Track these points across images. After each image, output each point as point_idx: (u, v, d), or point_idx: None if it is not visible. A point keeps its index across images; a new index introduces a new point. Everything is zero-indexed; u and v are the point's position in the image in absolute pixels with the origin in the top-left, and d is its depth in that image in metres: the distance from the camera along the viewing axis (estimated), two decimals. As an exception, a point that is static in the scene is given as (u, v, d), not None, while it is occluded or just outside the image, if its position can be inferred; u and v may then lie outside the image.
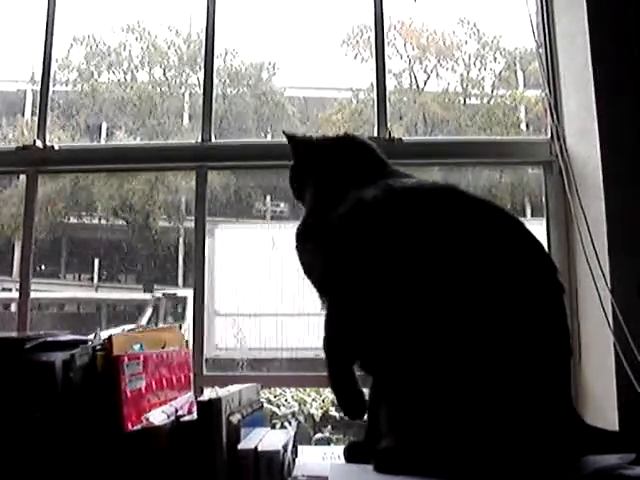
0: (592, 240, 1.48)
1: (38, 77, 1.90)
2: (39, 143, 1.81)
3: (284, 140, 1.37)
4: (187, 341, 1.55)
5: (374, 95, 1.81)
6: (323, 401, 3.41)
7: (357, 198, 1.13)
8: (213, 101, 1.84)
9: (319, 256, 1.16)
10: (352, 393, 1.10)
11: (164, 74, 3.97)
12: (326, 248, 1.14)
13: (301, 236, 1.23)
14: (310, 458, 1.32)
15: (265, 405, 1.51)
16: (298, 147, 1.35)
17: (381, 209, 1.10)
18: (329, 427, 3.31)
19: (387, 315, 1.03)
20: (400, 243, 1.05)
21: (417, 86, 3.69)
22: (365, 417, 1.16)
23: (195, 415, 1.13)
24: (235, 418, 1.14)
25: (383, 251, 1.06)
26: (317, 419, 3.37)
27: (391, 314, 1.03)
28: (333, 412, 3.30)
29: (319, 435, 3.21)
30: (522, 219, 1.09)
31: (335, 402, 1.15)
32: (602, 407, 1.47)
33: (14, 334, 1.56)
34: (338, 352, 1.11)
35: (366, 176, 1.20)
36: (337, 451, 1.31)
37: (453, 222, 1.06)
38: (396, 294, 1.03)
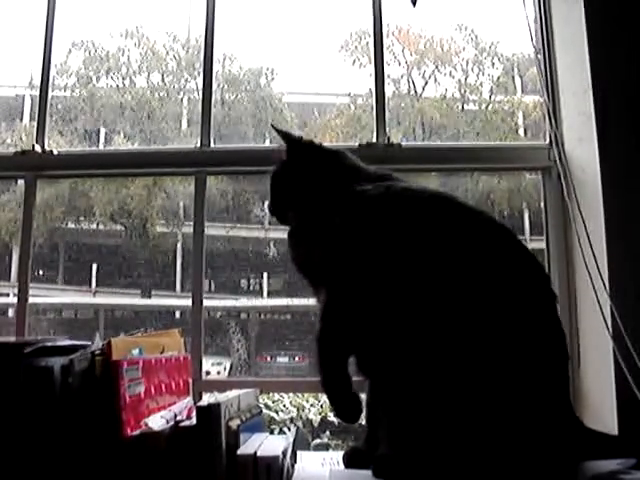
0: (591, 245, 1.48)
1: (37, 82, 1.89)
2: (38, 148, 1.80)
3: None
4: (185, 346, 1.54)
5: (372, 100, 1.81)
6: (321, 407, 3.40)
7: (360, 195, 1.13)
8: (212, 106, 1.84)
9: (319, 248, 1.15)
10: (346, 394, 1.09)
11: (162, 79, 3.97)
12: (329, 240, 1.13)
13: (296, 233, 1.23)
14: (309, 464, 1.31)
15: (263, 411, 1.50)
16: (299, 149, 1.30)
17: (386, 206, 1.10)
18: (327, 433, 3.30)
19: (385, 316, 1.03)
20: (395, 247, 1.05)
21: (415, 92, 3.70)
22: (363, 422, 1.16)
23: (194, 420, 1.13)
24: (234, 423, 1.14)
25: (382, 251, 1.06)
26: (315, 424, 3.36)
27: (389, 316, 1.03)
28: (331, 418, 3.29)
29: (317, 441, 3.20)
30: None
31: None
32: (601, 412, 1.46)
33: (13, 339, 1.56)
34: (332, 346, 1.10)
35: (363, 179, 1.20)
36: (336, 457, 1.30)
37: (450, 228, 1.07)
38: (393, 297, 1.03)
